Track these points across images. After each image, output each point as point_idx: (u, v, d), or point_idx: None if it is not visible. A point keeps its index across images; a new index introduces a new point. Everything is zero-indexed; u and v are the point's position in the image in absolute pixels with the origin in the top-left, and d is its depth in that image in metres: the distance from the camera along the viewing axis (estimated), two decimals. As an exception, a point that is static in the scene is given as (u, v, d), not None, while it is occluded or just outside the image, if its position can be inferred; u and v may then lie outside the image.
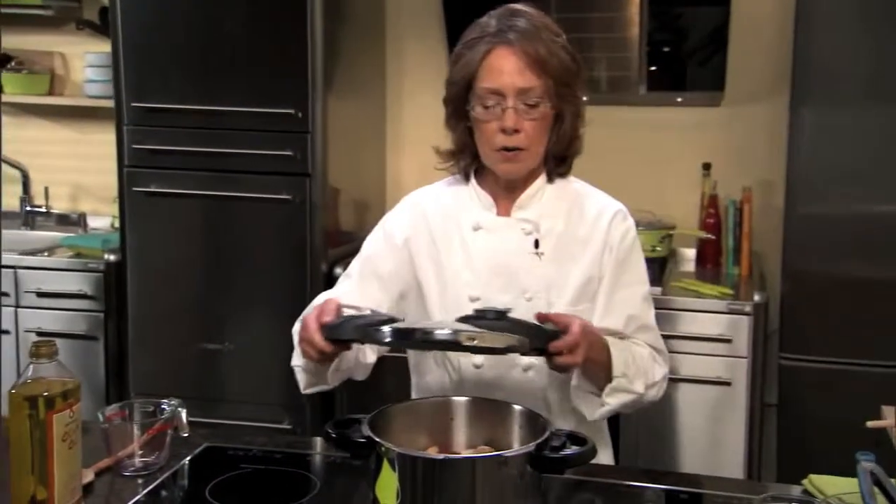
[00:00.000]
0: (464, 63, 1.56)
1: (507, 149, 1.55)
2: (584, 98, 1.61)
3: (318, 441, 1.60)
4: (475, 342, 1.30)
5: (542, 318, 1.44)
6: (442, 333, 1.33)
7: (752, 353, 2.57)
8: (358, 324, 1.37)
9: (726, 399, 2.59)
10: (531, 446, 1.24)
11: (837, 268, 2.52)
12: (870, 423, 1.43)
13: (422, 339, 1.35)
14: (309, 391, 1.58)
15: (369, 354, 1.59)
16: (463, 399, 1.44)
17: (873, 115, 2.47)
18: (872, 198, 2.49)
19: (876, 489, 1.21)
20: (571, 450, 1.26)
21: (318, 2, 2.73)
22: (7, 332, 3.01)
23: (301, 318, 1.50)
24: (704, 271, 2.95)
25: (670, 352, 1.69)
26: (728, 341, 2.58)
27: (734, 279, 2.85)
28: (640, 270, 1.65)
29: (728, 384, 2.58)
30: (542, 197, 1.63)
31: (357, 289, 1.65)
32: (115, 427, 1.45)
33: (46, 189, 3.52)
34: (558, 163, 1.64)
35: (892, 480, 1.22)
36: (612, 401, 1.52)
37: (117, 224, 3.04)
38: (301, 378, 1.57)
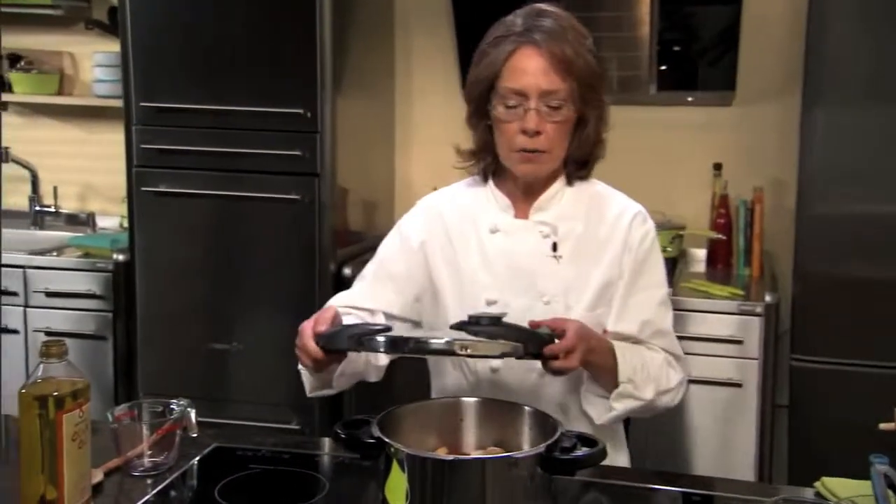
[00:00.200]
0: (488, 62, 1.54)
1: (526, 150, 1.53)
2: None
3: (327, 442, 1.60)
4: (468, 351, 1.31)
5: (535, 324, 1.42)
6: (435, 343, 1.33)
7: (763, 355, 2.56)
8: (352, 333, 1.37)
9: (737, 400, 2.58)
10: (541, 447, 1.23)
11: (850, 268, 2.51)
12: (882, 426, 1.42)
13: (416, 349, 1.35)
14: (313, 395, 1.57)
15: (381, 357, 1.58)
16: (472, 400, 1.43)
17: (886, 114, 2.45)
18: (886, 198, 2.48)
19: (890, 492, 1.20)
20: (582, 451, 1.25)
21: (326, 1, 2.73)
22: (16, 331, 3.01)
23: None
24: (715, 272, 2.94)
25: (680, 353, 1.68)
26: (739, 342, 2.56)
27: (745, 280, 2.83)
28: (658, 274, 1.63)
29: (739, 385, 2.57)
30: (561, 199, 1.61)
31: (370, 290, 1.65)
32: (124, 427, 1.45)
33: (55, 189, 3.53)
34: (579, 167, 1.62)
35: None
36: (619, 406, 1.51)
37: (126, 224, 3.05)
38: (306, 381, 1.56)
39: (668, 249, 2.82)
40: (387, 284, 1.64)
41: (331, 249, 2.83)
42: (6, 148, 3.32)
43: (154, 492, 1.38)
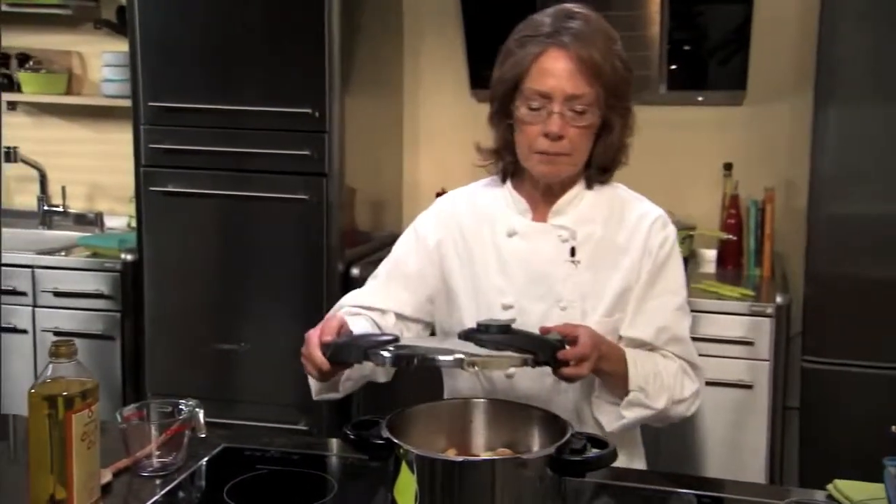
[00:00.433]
0: (514, 61, 1.51)
1: (547, 153, 1.51)
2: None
3: (336, 442, 1.60)
4: (476, 368, 1.29)
5: (545, 330, 1.39)
6: (442, 360, 1.30)
7: (774, 356, 2.55)
8: (359, 345, 1.35)
9: (748, 402, 2.57)
10: (551, 449, 1.23)
11: (861, 269, 2.49)
12: (895, 428, 1.41)
13: (421, 365, 1.32)
14: (319, 398, 1.56)
15: None
16: (482, 401, 1.42)
17: (898, 114, 2.44)
18: (897, 198, 2.46)
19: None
20: (592, 453, 1.24)
21: (335, 1, 2.72)
22: (24, 331, 3.02)
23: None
24: (725, 273, 2.93)
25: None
26: (750, 344, 2.55)
27: (755, 281, 2.82)
28: (677, 279, 1.59)
29: (750, 387, 2.56)
30: (581, 203, 1.58)
31: (383, 290, 1.63)
32: (132, 427, 1.45)
33: (64, 188, 3.53)
34: (600, 171, 1.59)
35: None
36: (629, 414, 1.49)
37: (134, 224, 3.05)
38: (312, 385, 1.54)
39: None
40: (400, 284, 1.63)
41: (339, 249, 2.83)
42: (14, 147, 3.33)
43: (163, 492, 1.38)
